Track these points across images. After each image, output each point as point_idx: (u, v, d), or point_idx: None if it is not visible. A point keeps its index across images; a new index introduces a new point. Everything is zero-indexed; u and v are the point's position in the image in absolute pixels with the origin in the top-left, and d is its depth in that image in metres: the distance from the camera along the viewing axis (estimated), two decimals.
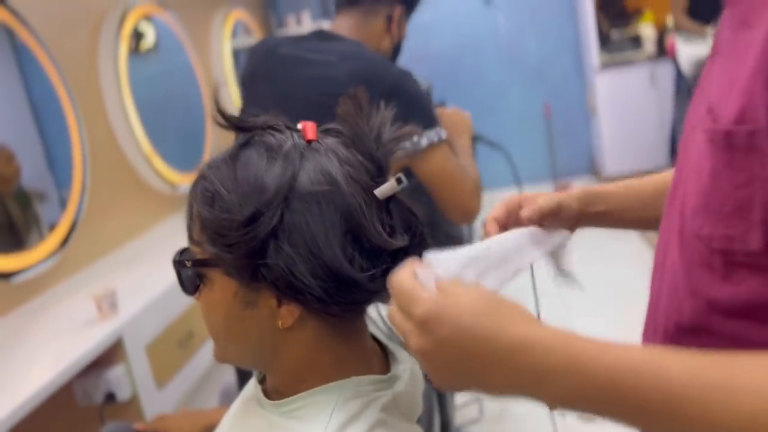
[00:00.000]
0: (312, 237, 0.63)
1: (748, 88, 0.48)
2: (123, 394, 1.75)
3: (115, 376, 1.75)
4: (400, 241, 0.68)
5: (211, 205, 0.65)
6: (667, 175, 0.74)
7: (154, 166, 2.64)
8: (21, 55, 2.09)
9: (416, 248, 0.70)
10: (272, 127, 0.70)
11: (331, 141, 0.69)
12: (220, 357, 0.75)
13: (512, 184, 4.47)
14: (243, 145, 0.69)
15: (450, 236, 1.79)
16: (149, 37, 2.84)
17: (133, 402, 1.78)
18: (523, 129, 4.88)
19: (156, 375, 1.87)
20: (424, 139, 1.37)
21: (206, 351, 2.18)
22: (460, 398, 2.34)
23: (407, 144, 1.34)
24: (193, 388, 2.10)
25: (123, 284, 1.96)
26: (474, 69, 4.88)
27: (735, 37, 0.53)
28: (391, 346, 0.80)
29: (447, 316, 0.51)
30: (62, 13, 2.35)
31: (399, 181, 0.67)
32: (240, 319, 0.68)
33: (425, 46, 4.72)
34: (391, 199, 0.68)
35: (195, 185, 0.69)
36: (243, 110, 1.49)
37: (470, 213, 1.41)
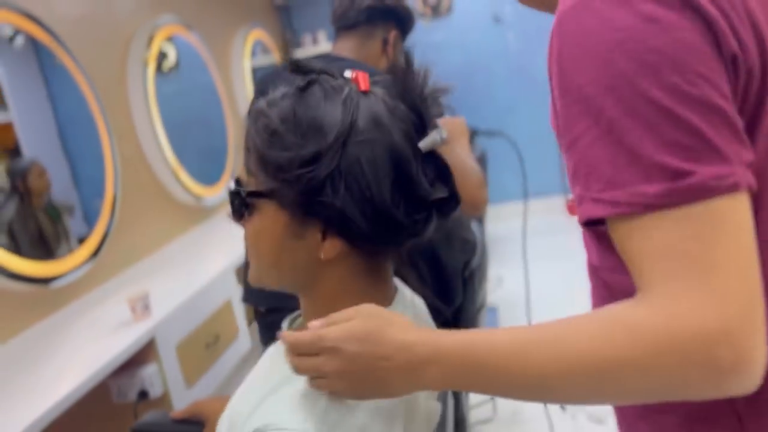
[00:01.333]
0: (366, 180, 0.68)
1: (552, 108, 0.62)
2: (155, 391, 1.85)
3: (148, 374, 1.84)
4: (440, 192, 0.75)
5: (272, 141, 0.70)
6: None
7: (180, 180, 2.76)
8: (50, 74, 2.18)
9: (450, 200, 0.76)
10: (327, 73, 0.75)
11: (380, 91, 0.75)
12: (256, 279, 0.79)
13: (521, 197, 4.54)
14: (302, 87, 0.72)
15: (466, 241, 1.88)
16: (171, 57, 2.97)
17: (165, 399, 1.88)
18: (533, 145, 4.93)
19: (185, 374, 1.97)
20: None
21: (232, 353, 2.27)
22: (474, 398, 2.42)
23: None
24: (220, 388, 2.19)
25: (153, 289, 2.06)
26: (484, 87, 4.97)
27: None
28: (406, 290, 0.88)
29: (350, 337, 0.64)
30: (95, 34, 2.48)
31: (440, 134, 0.74)
32: (285, 248, 0.74)
33: (435, 65, 4.81)
34: (430, 152, 0.74)
35: (255, 119, 0.73)
36: None
37: (479, 203, 1.50)
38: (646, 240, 0.54)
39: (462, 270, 1.82)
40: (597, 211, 0.56)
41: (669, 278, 0.52)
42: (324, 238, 0.72)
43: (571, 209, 4.76)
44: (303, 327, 0.81)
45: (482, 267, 1.96)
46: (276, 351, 0.81)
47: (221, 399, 1.22)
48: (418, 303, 0.93)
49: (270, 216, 0.73)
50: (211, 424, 1.15)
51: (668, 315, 0.51)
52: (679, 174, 0.52)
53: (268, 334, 1.58)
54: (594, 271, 0.72)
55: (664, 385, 0.53)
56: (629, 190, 0.54)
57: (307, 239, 0.72)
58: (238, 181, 0.76)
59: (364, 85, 0.74)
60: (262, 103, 0.74)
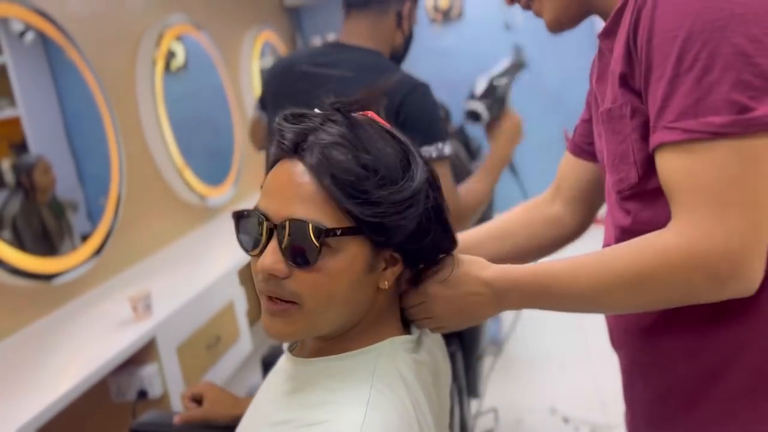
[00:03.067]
0: (440, 204, 0.78)
1: (613, 84, 0.77)
2: (155, 391, 1.83)
3: (148, 374, 1.83)
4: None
5: (372, 177, 0.71)
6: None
7: (185, 179, 2.75)
8: (58, 71, 2.18)
9: None
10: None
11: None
12: (308, 329, 0.75)
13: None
14: (357, 126, 0.74)
15: None
16: (179, 57, 2.97)
17: (164, 400, 1.86)
18: (542, 154, 4.93)
19: (185, 375, 1.95)
20: (434, 152, 1.41)
21: (233, 355, 2.26)
22: (476, 407, 2.40)
23: None
24: None
25: (156, 289, 2.05)
26: None
27: (602, 46, 0.83)
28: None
29: (448, 279, 0.82)
30: (104, 31, 2.48)
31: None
32: (359, 284, 0.74)
33: (445, 71, 4.81)
34: None
35: (333, 156, 0.70)
36: (270, 131, 1.53)
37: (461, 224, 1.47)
38: (692, 170, 0.66)
39: None
40: (670, 136, 0.68)
41: (695, 209, 0.66)
42: (386, 267, 0.77)
43: None
44: (308, 354, 0.82)
45: None
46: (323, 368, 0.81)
47: (231, 397, 1.21)
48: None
49: (353, 253, 0.72)
50: (210, 406, 1.17)
51: (687, 240, 0.66)
52: (744, 108, 0.64)
53: None
54: (624, 233, 0.81)
55: (680, 291, 0.69)
56: (701, 120, 0.65)
57: (375, 271, 0.76)
58: (309, 223, 0.70)
59: (383, 120, 0.81)
60: (326, 137, 0.72)
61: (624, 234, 0.80)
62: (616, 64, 0.76)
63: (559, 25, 0.89)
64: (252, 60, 3.69)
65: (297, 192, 0.72)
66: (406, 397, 0.75)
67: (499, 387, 2.36)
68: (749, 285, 0.67)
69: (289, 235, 0.71)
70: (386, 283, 0.76)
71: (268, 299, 0.74)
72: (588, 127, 1.01)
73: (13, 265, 1.81)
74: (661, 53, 0.68)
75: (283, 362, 0.88)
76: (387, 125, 0.79)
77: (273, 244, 0.72)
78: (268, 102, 1.65)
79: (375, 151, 0.72)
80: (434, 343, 0.90)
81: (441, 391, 0.88)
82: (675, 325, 0.80)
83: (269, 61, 3.90)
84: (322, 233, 0.70)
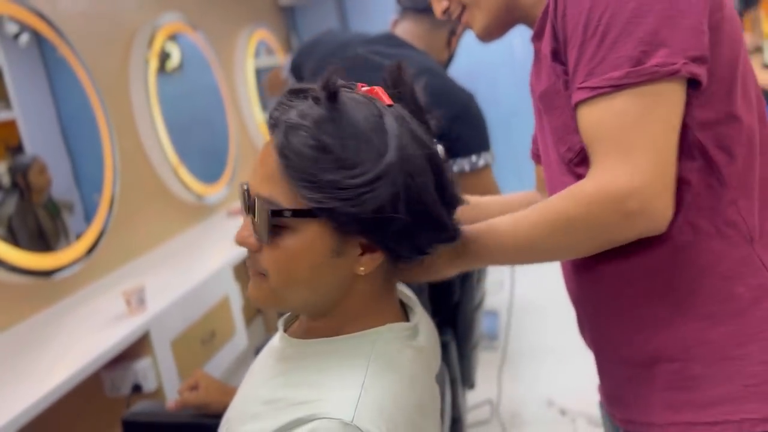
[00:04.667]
0: (418, 191, 0.72)
1: (547, 67, 0.84)
2: (149, 385, 1.83)
3: (142, 368, 1.83)
4: (461, 201, 0.80)
5: (322, 158, 0.68)
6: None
7: (180, 177, 2.75)
8: (53, 69, 2.18)
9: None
10: (346, 86, 0.76)
11: (396, 104, 0.77)
12: (272, 302, 0.77)
13: None
14: (332, 100, 0.71)
15: None
16: (175, 57, 2.97)
17: (158, 393, 1.86)
18: None
19: (180, 369, 1.95)
20: (482, 160, 1.43)
21: (228, 350, 2.26)
22: (471, 399, 2.40)
23: (465, 164, 1.40)
24: None
25: (151, 284, 2.05)
26: (489, 92, 4.95)
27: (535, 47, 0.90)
28: (406, 299, 0.89)
29: None
30: (97, 29, 2.48)
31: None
32: (323, 267, 0.73)
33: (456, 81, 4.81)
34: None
35: (291, 133, 0.70)
36: None
37: None
38: (600, 121, 0.73)
39: None
40: (581, 95, 0.75)
41: (605, 156, 0.73)
42: (363, 252, 0.73)
43: None
44: (302, 335, 0.82)
45: None
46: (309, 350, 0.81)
47: (222, 386, 1.22)
48: (427, 318, 0.95)
49: (310, 235, 0.71)
50: (204, 391, 1.18)
51: (599, 182, 0.72)
52: (638, 62, 0.71)
53: None
54: None
55: (599, 231, 0.74)
56: (603, 77, 0.73)
57: (347, 256, 0.73)
58: (268, 201, 0.72)
59: (387, 99, 0.76)
60: (293, 116, 0.71)
61: None
62: (546, 46, 0.83)
63: (489, 34, 0.99)
64: (246, 58, 3.69)
65: (265, 170, 0.73)
66: (403, 382, 0.75)
67: (496, 379, 2.36)
68: (659, 222, 0.72)
69: (255, 211, 0.73)
70: (362, 269, 0.74)
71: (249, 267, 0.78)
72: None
73: (7, 261, 1.81)
74: (573, 24, 0.76)
75: (277, 341, 0.87)
76: (387, 102, 0.75)
77: (249, 218, 0.75)
78: (305, 73, 1.61)
79: (341, 133, 0.69)
80: (429, 331, 0.90)
81: (433, 379, 0.88)
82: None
83: (264, 61, 3.90)
84: (273, 213, 0.71)
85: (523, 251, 0.81)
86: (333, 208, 0.69)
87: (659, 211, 0.71)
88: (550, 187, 0.94)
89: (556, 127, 0.85)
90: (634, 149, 0.71)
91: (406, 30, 1.55)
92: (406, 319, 0.86)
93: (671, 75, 0.71)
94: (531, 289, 3.08)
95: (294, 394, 0.74)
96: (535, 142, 1.12)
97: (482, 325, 3.02)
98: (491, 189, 1.47)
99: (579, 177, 0.82)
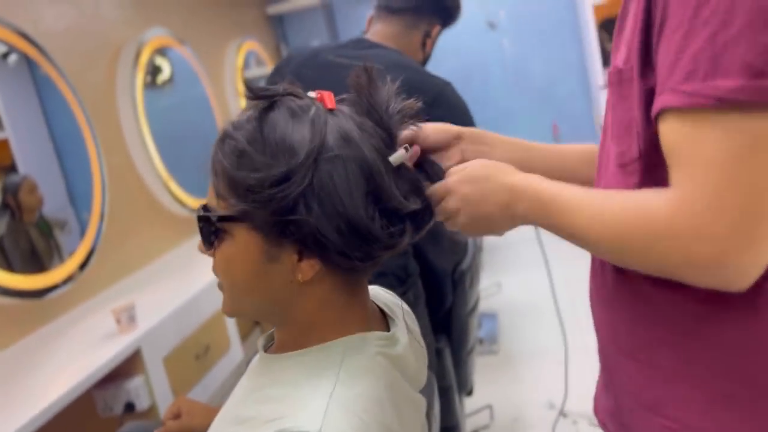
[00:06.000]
0: (338, 196, 0.68)
1: (628, 40, 0.70)
2: (142, 404, 1.81)
3: (134, 386, 1.81)
4: (414, 204, 0.75)
5: (240, 164, 0.69)
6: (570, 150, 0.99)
7: (171, 191, 2.74)
8: (43, 88, 2.18)
9: (425, 212, 0.78)
10: (293, 94, 0.75)
11: (346, 109, 0.75)
12: (232, 310, 0.78)
13: None
14: (267, 108, 0.72)
15: (455, 242, 1.84)
16: (165, 71, 2.96)
17: (152, 412, 1.84)
18: None
19: (174, 386, 1.93)
20: None
21: (223, 365, 2.24)
22: (470, 405, 2.37)
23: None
24: (210, 400, 2.15)
25: (142, 301, 2.03)
26: (481, 93, 4.96)
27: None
28: (387, 310, 0.87)
29: (463, 179, 0.79)
30: (82, 46, 2.47)
31: (406, 149, 0.75)
32: (260, 273, 0.73)
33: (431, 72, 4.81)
34: (400, 166, 0.75)
35: (221, 143, 0.72)
36: None
37: None
38: (694, 139, 0.60)
39: (452, 272, 1.78)
40: (673, 100, 0.61)
41: (692, 181, 0.60)
42: (300, 259, 0.71)
43: None
44: (275, 350, 0.81)
45: (474, 268, 1.93)
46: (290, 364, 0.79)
47: (205, 408, 1.20)
48: (411, 324, 0.92)
49: (243, 240, 0.72)
50: (187, 417, 1.15)
51: (674, 211, 0.61)
52: (758, 73, 0.56)
53: None
54: None
55: (657, 262, 0.64)
56: (709, 83, 0.58)
57: (283, 262, 0.72)
58: (206, 207, 0.74)
59: (330, 103, 0.74)
60: (228, 126, 0.74)
61: None
62: (635, 19, 0.68)
63: None
64: (236, 70, 3.68)
65: (211, 180, 0.75)
66: (377, 389, 0.73)
67: (495, 383, 2.33)
68: (740, 278, 0.61)
69: (198, 218, 0.75)
70: (300, 276, 0.72)
71: None
72: None
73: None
74: (678, 2, 0.60)
75: (256, 360, 0.86)
76: (330, 107, 0.74)
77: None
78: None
79: (261, 138, 0.70)
80: (415, 343, 0.88)
81: (415, 390, 0.85)
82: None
83: (255, 71, 3.89)
84: (201, 219, 0.73)
85: (575, 240, 0.73)
86: (248, 210, 0.69)
87: (742, 267, 0.60)
88: (599, 173, 0.82)
89: (619, 121, 0.73)
90: (729, 187, 0.58)
91: (379, 31, 1.56)
92: (386, 329, 0.84)
93: None
94: (522, 291, 3.05)
95: (266, 410, 0.72)
96: None
97: (481, 328, 3.00)
98: None
99: (629, 185, 0.72)
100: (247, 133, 0.71)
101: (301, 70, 1.50)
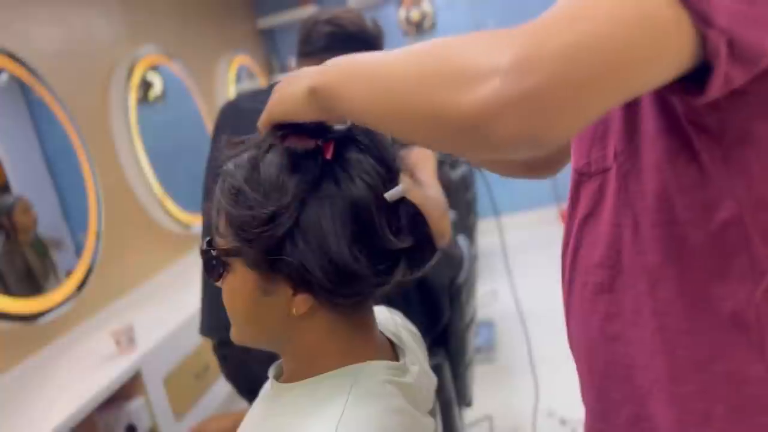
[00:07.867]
0: (323, 236, 0.69)
1: None
2: (143, 425, 1.82)
3: (135, 408, 1.81)
4: (405, 242, 0.74)
5: (236, 202, 0.72)
6: None
7: (166, 208, 2.74)
8: (36, 110, 2.18)
9: (421, 247, 0.77)
10: (299, 133, 0.75)
11: (346, 149, 0.74)
12: (238, 339, 0.81)
13: (513, 210, 4.51)
14: (267, 150, 0.74)
15: (451, 256, 1.86)
16: (157, 86, 2.97)
17: None
18: None
19: (174, 406, 1.94)
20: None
21: (223, 383, 2.24)
22: (469, 417, 2.38)
23: None
24: None
25: (141, 321, 2.04)
26: None
27: None
28: (398, 341, 0.88)
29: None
30: (75, 67, 2.48)
31: (406, 185, 0.75)
32: (258, 305, 0.75)
33: None
34: (400, 200, 0.75)
35: (222, 181, 0.75)
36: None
37: (441, 234, 1.45)
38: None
39: (448, 286, 1.80)
40: None
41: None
42: (295, 293, 0.73)
43: (564, 217, 4.76)
44: (285, 379, 0.82)
45: (470, 282, 1.94)
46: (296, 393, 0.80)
47: (218, 419, 1.22)
48: (418, 353, 0.92)
49: (240, 274, 0.75)
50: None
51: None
52: None
53: (223, 365, 1.59)
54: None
55: (425, 93, 0.53)
56: None
57: (278, 295, 0.73)
58: (210, 242, 0.77)
59: (329, 154, 0.73)
60: (229, 165, 0.76)
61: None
62: None
63: None
64: (228, 84, 3.69)
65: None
66: (386, 412, 0.74)
67: (494, 392, 2.35)
68: (491, 125, 0.48)
69: (201, 251, 0.78)
70: (294, 310, 0.73)
71: None
72: None
73: None
74: None
75: (267, 388, 0.87)
76: (327, 157, 0.73)
77: None
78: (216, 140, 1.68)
79: (258, 178, 0.72)
80: (424, 374, 0.89)
81: (425, 414, 0.86)
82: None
83: (247, 85, 3.90)
84: (203, 253, 0.77)
85: (378, 94, 0.59)
86: (240, 247, 0.72)
87: (500, 118, 0.48)
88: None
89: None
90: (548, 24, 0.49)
91: None
92: (395, 359, 0.85)
93: None
94: (519, 298, 3.06)
95: None
96: None
97: (478, 337, 3.01)
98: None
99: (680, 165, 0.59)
100: (245, 171, 0.73)
101: (225, 122, 1.60)
